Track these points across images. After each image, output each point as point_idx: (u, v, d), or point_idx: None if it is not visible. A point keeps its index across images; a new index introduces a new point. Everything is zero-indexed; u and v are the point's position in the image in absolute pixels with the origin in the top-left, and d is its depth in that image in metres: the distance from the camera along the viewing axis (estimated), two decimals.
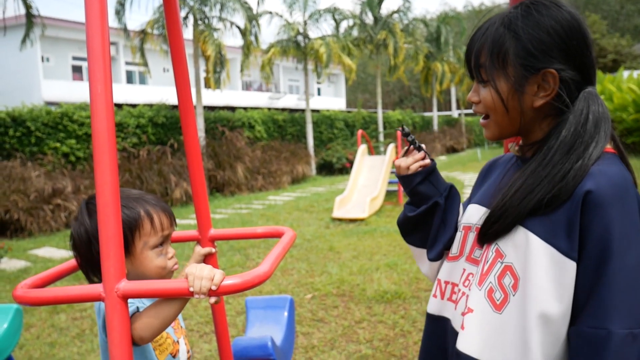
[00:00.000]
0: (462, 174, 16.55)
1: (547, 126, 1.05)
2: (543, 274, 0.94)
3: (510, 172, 1.11)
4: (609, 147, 1.03)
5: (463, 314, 1.05)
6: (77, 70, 23.54)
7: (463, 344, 1.03)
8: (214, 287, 0.96)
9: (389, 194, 11.17)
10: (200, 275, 0.97)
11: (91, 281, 1.27)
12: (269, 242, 7.29)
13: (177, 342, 1.36)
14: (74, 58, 23.27)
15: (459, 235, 1.16)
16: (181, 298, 1.06)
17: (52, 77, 21.85)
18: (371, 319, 4.21)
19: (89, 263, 1.24)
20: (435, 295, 1.18)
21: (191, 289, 0.96)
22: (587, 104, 1.01)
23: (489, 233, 1.03)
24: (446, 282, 1.15)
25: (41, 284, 1.11)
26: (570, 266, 0.93)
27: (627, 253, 0.89)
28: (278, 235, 1.40)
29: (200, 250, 1.48)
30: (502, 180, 1.10)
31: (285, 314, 2.16)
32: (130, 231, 1.21)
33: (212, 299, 0.98)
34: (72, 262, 1.25)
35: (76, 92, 20.39)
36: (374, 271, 5.57)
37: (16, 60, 20.03)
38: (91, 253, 1.21)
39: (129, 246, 1.21)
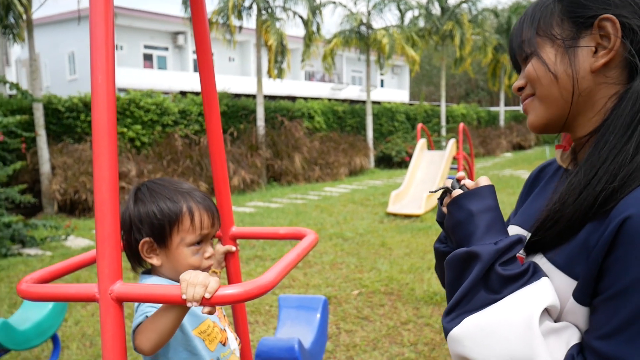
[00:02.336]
0: (527, 172, 15.82)
1: (609, 106, 0.81)
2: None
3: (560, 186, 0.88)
4: None
5: None
6: (147, 58, 24.46)
7: None
8: (207, 296, 0.89)
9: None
10: (194, 282, 0.90)
11: (134, 268, 1.28)
12: (321, 228, 7.25)
13: (224, 329, 1.33)
14: (146, 46, 24.18)
15: None
16: (177, 309, 1.01)
17: (125, 64, 22.82)
18: (418, 321, 4.07)
19: (130, 248, 1.24)
20: None
21: (183, 297, 0.90)
22: None
23: (539, 242, 0.84)
24: None
25: (49, 278, 1.09)
26: (583, 311, 0.76)
27: None
28: (300, 237, 1.31)
29: (220, 248, 1.43)
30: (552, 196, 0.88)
31: (318, 315, 2.08)
32: (170, 225, 1.19)
33: (206, 309, 0.91)
34: (83, 256, 1.22)
35: (146, 80, 21.21)
36: (425, 271, 5.39)
37: None
38: (131, 238, 1.22)
39: (165, 240, 1.20)
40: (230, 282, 1.47)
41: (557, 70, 0.83)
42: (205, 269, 1.25)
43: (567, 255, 0.79)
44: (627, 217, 0.70)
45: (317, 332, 2.04)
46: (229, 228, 1.43)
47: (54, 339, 2.69)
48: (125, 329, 0.93)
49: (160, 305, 1.05)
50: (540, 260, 0.83)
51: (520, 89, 0.91)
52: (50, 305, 2.50)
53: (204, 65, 1.32)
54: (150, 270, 1.27)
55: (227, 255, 1.44)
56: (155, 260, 1.21)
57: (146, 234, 1.20)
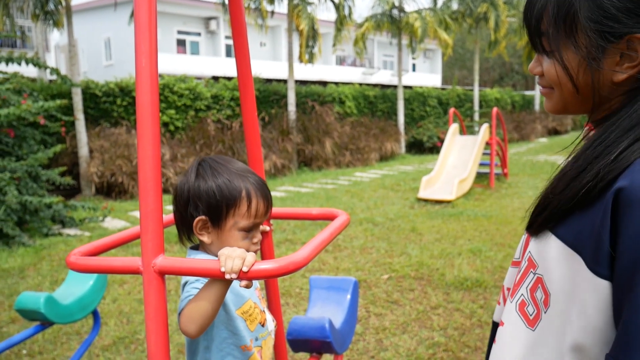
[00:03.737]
0: (562, 158, 15.40)
1: (621, 100, 0.82)
2: (571, 295, 0.78)
3: None
4: None
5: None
6: (181, 43, 24.75)
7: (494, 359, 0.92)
8: (244, 269, 0.93)
9: (480, 176, 10.70)
10: (232, 255, 0.95)
11: (181, 239, 1.30)
12: (351, 213, 7.27)
13: (264, 311, 1.37)
14: (179, 32, 24.47)
15: (522, 238, 1.02)
16: (218, 287, 1.05)
17: (159, 50, 23.14)
18: (448, 306, 4.07)
19: (182, 220, 1.26)
20: (498, 303, 1.08)
21: (222, 269, 0.94)
22: None
23: (533, 227, 0.87)
24: (508, 289, 1.03)
25: (95, 252, 1.15)
26: (601, 285, 0.74)
27: None
28: (331, 218, 1.34)
29: None
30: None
31: (348, 296, 2.12)
32: (227, 207, 1.21)
33: (243, 282, 0.96)
34: (127, 232, 1.28)
35: (179, 65, 21.49)
36: (455, 256, 5.37)
37: (128, 34, 21.45)
38: (187, 212, 1.23)
39: (220, 220, 1.21)
40: (264, 259, 1.51)
41: (579, 82, 0.83)
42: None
43: (571, 228, 0.80)
44: (617, 189, 0.72)
45: (347, 312, 2.08)
46: None
47: (95, 314, 2.81)
48: (166, 301, 0.98)
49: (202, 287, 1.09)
50: (548, 237, 0.84)
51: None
52: (91, 281, 2.62)
53: (239, 49, 1.35)
54: (198, 246, 1.29)
55: (262, 234, 1.48)
56: (206, 238, 1.23)
57: (202, 212, 1.21)
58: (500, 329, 0.92)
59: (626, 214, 0.71)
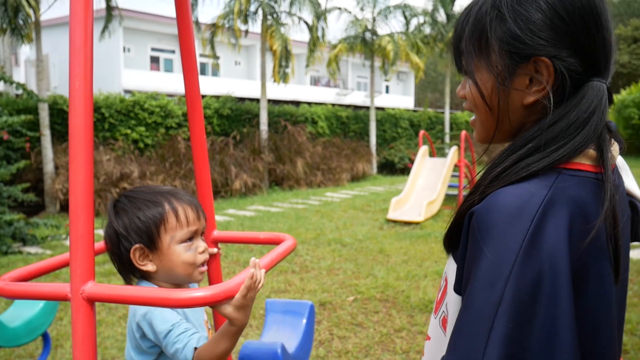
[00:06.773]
0: None
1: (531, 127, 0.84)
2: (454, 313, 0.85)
3: None
4: (588, 164, 0.78)
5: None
6: (154, 60, 24.60)
7: None
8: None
9: (449, 198, 10.84)
10: (256, 274, 0.99)
11: (126, 281, 1.25)
12: (320, 233, 7.26)
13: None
14: (153, 49, 24.34)
15: None
16: (235, 335, 1.05)
17: (131, 66, 22.96)
18: (411, 329, 4.07)
19: (121, 262, 1.22)
20: None
21: (256, 281, 0.98)
22: (577, 102, 0.77)
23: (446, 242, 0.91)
24: None
25: (27, 277, 1.11)
26: (458, 300, 0.83)
27: (479, 295, 0.71)
28: (278, 242, 1.33)
29: None
30: None
31: (304, 320, 2.10)
32: (156, 226, 1.18)
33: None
34: (60, 257, 1.24)
35: (153, 82, 21.33)
36: (421, 278, 5.39)
37: (101, 50, 21.21)
38: (120, 251, 1.20)
39: (155, 242, 1.18)
40: (211, 283, 1.49)
41: (492, 103, 0.84)
42: (201, 264, 1.24)
43: (459, 249, 0.84)
44: (469, 214, 0.78)
45: (302, 337, 2.05)
46: (211, 231, 1.45)
47: (45, 337, 2.71)
48: (95, 329, 0.95)
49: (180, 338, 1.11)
50: (449, 258, 0.89)
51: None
52: (41, 303, 2.53)
53: (188, 69, 1.35)
54: (144, 277, 1.25)
55: (209, 257, 1.46)
56: (149, 266, 1.19)
57: (135, 241, 1.18)
58: (427, 343, 0.97)
59: (470, 237, 0.76)
